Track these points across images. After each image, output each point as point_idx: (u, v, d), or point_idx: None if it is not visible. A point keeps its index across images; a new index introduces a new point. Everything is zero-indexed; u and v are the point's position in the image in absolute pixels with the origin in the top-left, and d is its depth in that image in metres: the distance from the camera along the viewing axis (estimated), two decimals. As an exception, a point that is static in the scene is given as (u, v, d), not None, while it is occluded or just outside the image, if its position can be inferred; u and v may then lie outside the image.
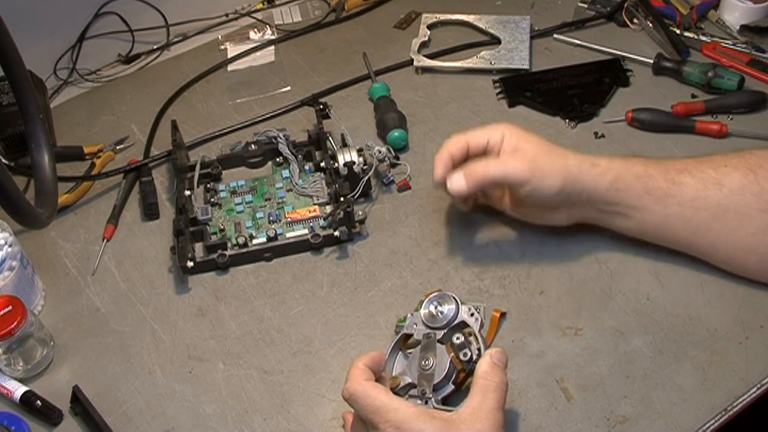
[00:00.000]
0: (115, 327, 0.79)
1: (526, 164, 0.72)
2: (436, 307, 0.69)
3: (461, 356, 0.65)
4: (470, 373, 0.65)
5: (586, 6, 1.08)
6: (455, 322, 0.67)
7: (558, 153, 0.73)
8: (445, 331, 0.67)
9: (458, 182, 0.74)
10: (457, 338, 0.66)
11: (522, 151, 0.72)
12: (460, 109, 0.97)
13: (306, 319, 0.78)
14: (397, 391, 0.65)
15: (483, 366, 0.62)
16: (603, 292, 0.76)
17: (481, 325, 0.67)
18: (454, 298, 0.69)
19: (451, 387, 0.65)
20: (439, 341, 0.67)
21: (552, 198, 0.72)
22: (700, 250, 0.74)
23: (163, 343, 0.77)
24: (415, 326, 0.69)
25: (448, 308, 0.68)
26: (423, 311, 0.69)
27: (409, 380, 0.66)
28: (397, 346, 0.70)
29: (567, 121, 0.93)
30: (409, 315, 0.70)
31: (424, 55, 1.03)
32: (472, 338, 0.66)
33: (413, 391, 0.65)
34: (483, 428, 0.58)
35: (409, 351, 0.69)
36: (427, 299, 0.70)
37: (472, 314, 0.68)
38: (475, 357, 0.65)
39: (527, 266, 0.79)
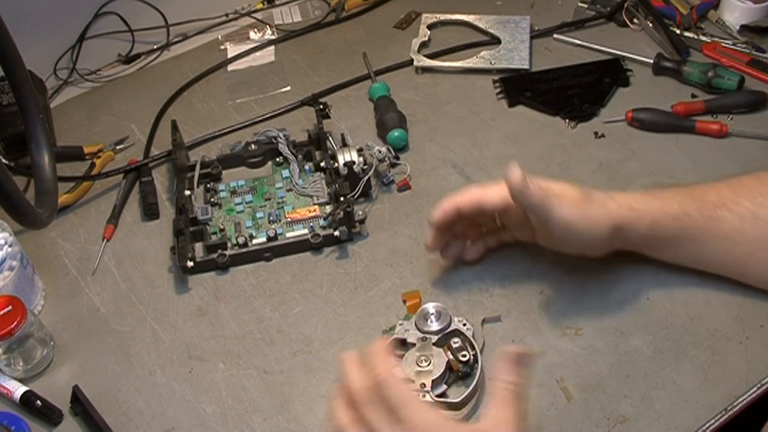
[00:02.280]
0: (115, 327, 0.79)
1: (575, 210, 0.68)
2: (429, 314, 0.72)
3: (460, 357, 0.69)
4: (465, 375, 0.70)
5: (586, 6, 1.08)
6: (448, 330, 0.71)
7: (596, 199, 0.69)
8: (439, 336, 0.71)
9: (515, 173, 0.66)
10: (455, 342, 0.70)
11: (564, 197, 0.68)
12: (460, 109, 0.97)
13: (306, 319, 0.78)
14: None
15: (501, 368, 0.59)
16: (603, 292, 0.76)
17: (473, 335, 0.71)
18: (444, 309, 0.72)
19: (443, 387, 0.69)
20: (434, 344, 0.71)
21: (597, 246, 0.70)
22: (732, 275, 0.73)
23: (163, 343, 0.77)
24: (407, 332, 0.72)
25: (441, 316, 0.72)
26: (417, 319, 0.72)
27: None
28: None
29: (567, 121, 0.93)
30: (398, 324, 0.73)
31: (424, 55, 1.03)
32: (467, 344, 0.70)
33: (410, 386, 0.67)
34: None
35: (399, 353, 0.71)
36: (420, 309, 0.73)
37: (464, 324, 0.72)
38: (471, 361, 0.69)
39: (527, 266, 0.79)
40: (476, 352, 0.69)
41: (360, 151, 0.86)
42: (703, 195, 0.71)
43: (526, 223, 0.74)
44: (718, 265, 0.72)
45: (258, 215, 0.86)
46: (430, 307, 0.73)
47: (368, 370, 0.60)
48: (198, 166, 0.90)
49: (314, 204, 0.87)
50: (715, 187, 0.72)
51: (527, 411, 0.59)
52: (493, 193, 0.72)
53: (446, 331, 0.71)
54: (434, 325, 0.71)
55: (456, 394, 0.68)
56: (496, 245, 0.79)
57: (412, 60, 1.03)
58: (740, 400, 0.67)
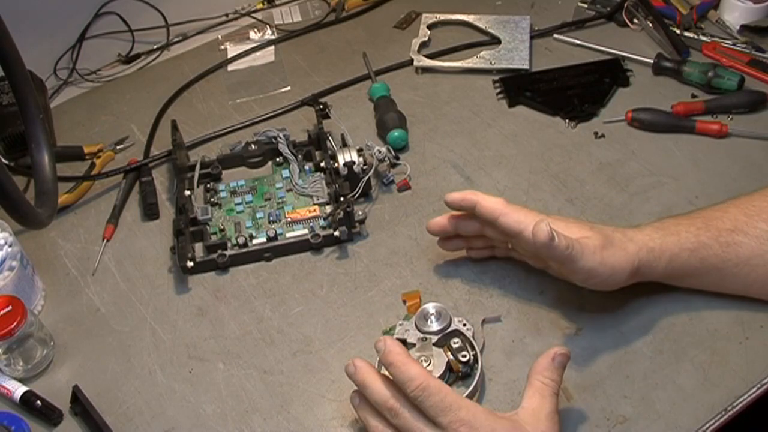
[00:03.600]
0: (115, 327, 0.79)
1: (597, 257, 0.67)
2: (429, 315, 0.72)
3: (460, 357, 0.69)
4: (465, 376, 0.69)
5: (586, 6, 1.08)
6: (448, 330, 0.71)
7: (616, 243, 0.68)
8: (439, 337, 0.71)
9: (544, 231, 0.64)
10: (455, 342, 0.70)
11: (586, 245, 0.67)
12: (460, 109, 0.97)
13: (306, 319, 0.78)
14: None
15: (542, 363, 0.64)
16: (602, 292, 0.75)
17: (473, 335, 0.71)
18: (444, 309, 0.72)
19: None
20: (433, 344, 0.71)
21: (616, 285, 0.70)
22: (756, 296, 0.73)
23: (163, 343, 0.77)
24: (407, 332, 0.72)
25: (441, 317, 0.72)
26: (417, 319, 0.72)
27: None
28: None
29: (567, 121, 0.93)
30: (398, 324, 0.73)
31: (424, 55, 1.03)
32: (467, 344, 0.70)
33: None
34: (545, 428, 0.61)
35: None
36: (420, 309, 0.73)
37: (464, 324, 0.72)
38: (471, 361, 0.69)
39: (527, 266, 0.78)
40: (476, 353, 0.69)
41: (360, 151, 0.86)
42: (717, 222, 0.70)
43: (540, 257, 0.74)
44: (739, 289, 0.72)
45: (258, 215, 0.86)
46: (430, 307, 0.72)
47: (397, 374, 0.61)
48: (198, 166, 0.90)
49: (314, 204, 0.87)
50: (728, 212, 0.71)
51: (559, 406, 0.63)
52: (511, 218, 0.70)
53: (446, 332, 0.71)
54: (434, 326, 0.71)
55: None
56: (503, 256, 0.79)
57: (412, 60, 1.03)
58: (740, 400, 0.67)
